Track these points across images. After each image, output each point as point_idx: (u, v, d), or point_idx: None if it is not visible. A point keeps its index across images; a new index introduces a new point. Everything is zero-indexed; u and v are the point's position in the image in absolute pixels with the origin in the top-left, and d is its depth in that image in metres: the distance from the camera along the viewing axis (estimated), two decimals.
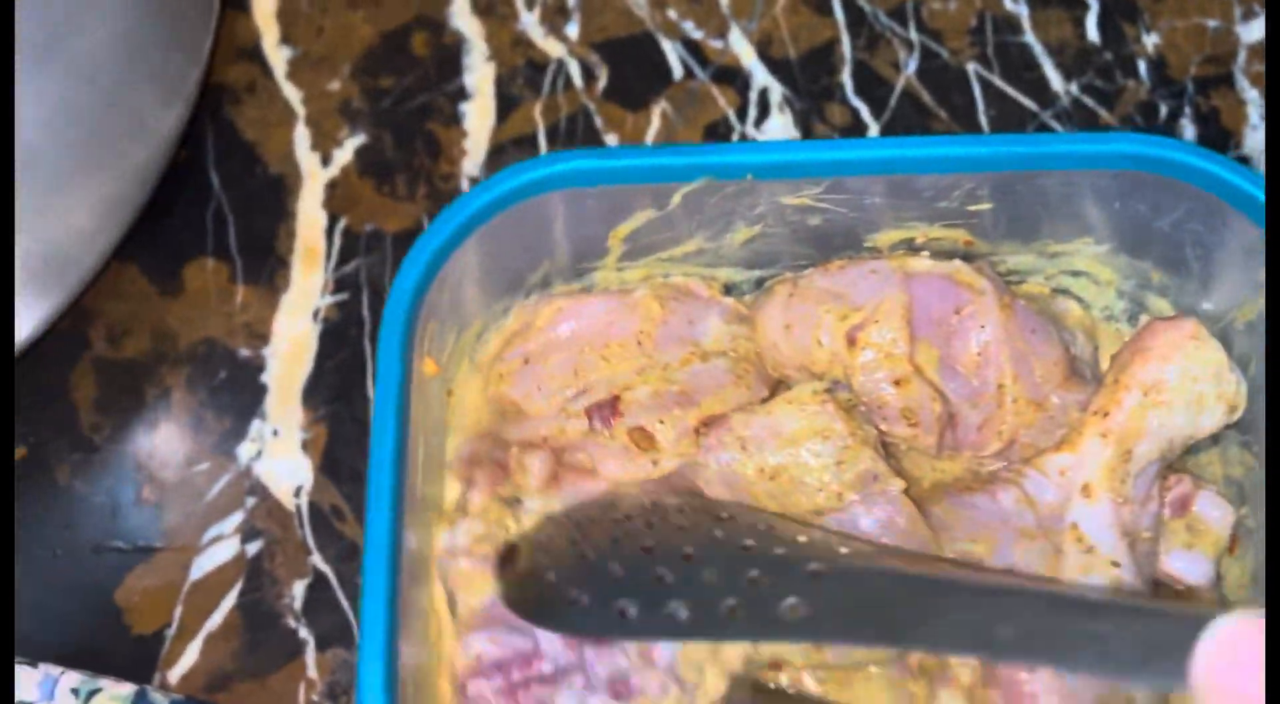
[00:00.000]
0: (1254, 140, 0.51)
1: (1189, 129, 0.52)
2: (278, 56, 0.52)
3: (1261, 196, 0.37)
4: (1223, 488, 0.41)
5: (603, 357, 0.42)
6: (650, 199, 0.40)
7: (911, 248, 0.43)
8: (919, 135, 0.51)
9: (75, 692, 0.41)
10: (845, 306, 0.41)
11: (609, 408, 0.41)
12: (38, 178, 0.41)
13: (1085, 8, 0.54)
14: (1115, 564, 0.37)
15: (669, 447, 0.40)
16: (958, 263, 0.41)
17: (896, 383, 0.40)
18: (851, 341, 0.40)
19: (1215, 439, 0.41)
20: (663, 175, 0.39)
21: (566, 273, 0.42)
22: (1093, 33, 0.54)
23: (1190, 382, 0.39)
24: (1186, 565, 0.39)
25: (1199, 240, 0.40)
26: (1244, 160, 0.51)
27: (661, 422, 0.40)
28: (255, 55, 0.52)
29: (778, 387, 0.42)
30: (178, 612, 0.43)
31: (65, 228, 0.44)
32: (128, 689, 0.41)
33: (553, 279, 0.42)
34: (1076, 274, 0.44)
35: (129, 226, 0.46)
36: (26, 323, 0.44)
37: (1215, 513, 0.40)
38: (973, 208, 0.41)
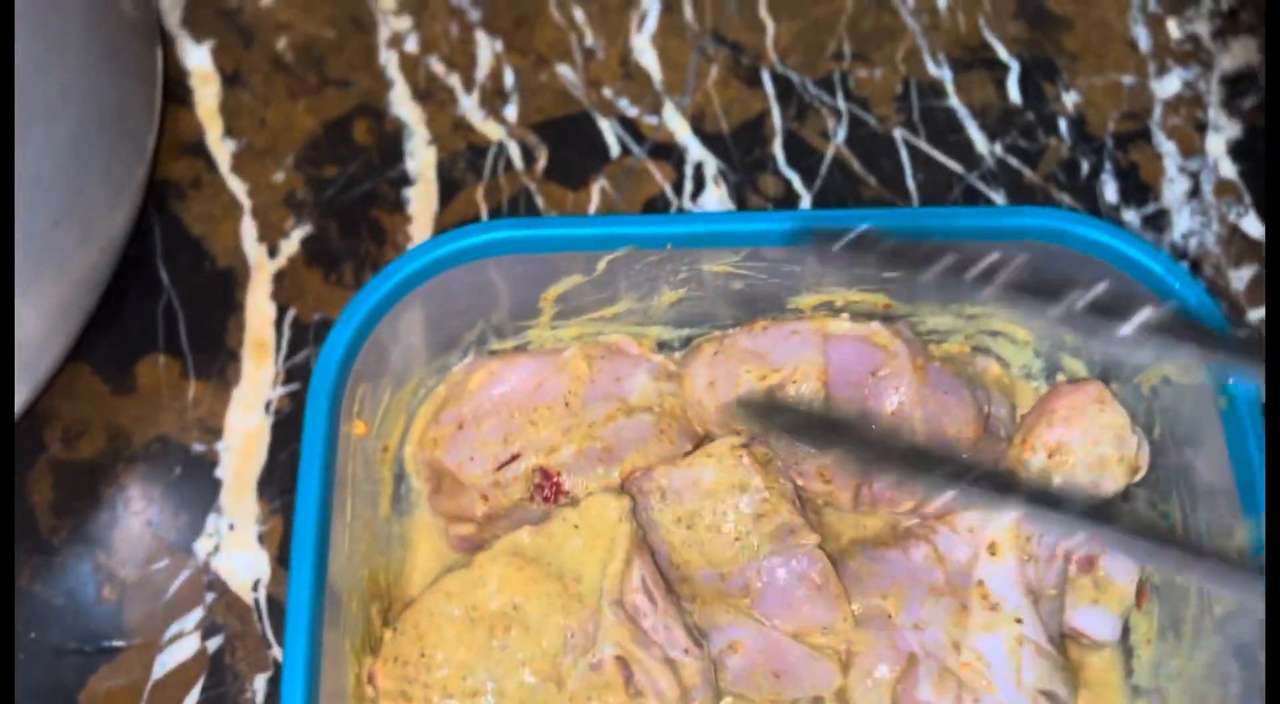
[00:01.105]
0: (1171, 193, 0.53)
1: (1110, 184, 0.54)
2: (222, 150, 0.53)
3: (1161, 270, 0.39)
4: None
5: (530, 420, 0.43)
6: (580, 264, 0.42)
7: (832, 310, 0.44)
8: (846, 206, 0.52)
9: None
10: (765, 366, 0.43)
11: (550, 482, 0.42)
12: None
13: (1006, 69, 0.56)
14: (1019, 621, 0.39)
15: (577, 494, 0.42)
16: (875, 324, 0.43)
17: None
18: None
19: (1125, 497, 0.43)
20: (588, 244, 0.41)
21: (503, 331, 0.44)
22: (1014, 93, 0.55)
23: (1092, 444, 0.41)
24: (1092, 621, 0.40)
25: (1105, 307, 0.42)
26: (1162, 214, 0.53)
27: (587, 484, 0.42)
28: (199, 150, 0.53)
29: (702, 442, 0.44)
30: None
31: (25, 327, 0.45)
32: None
33: (489, 337, 0.45)
34: (994, 334, 0.46)
35: (80, 331, 0.47)
36: None
37: (1121, 569, 0.41)
38: (889, 274, 0.43)
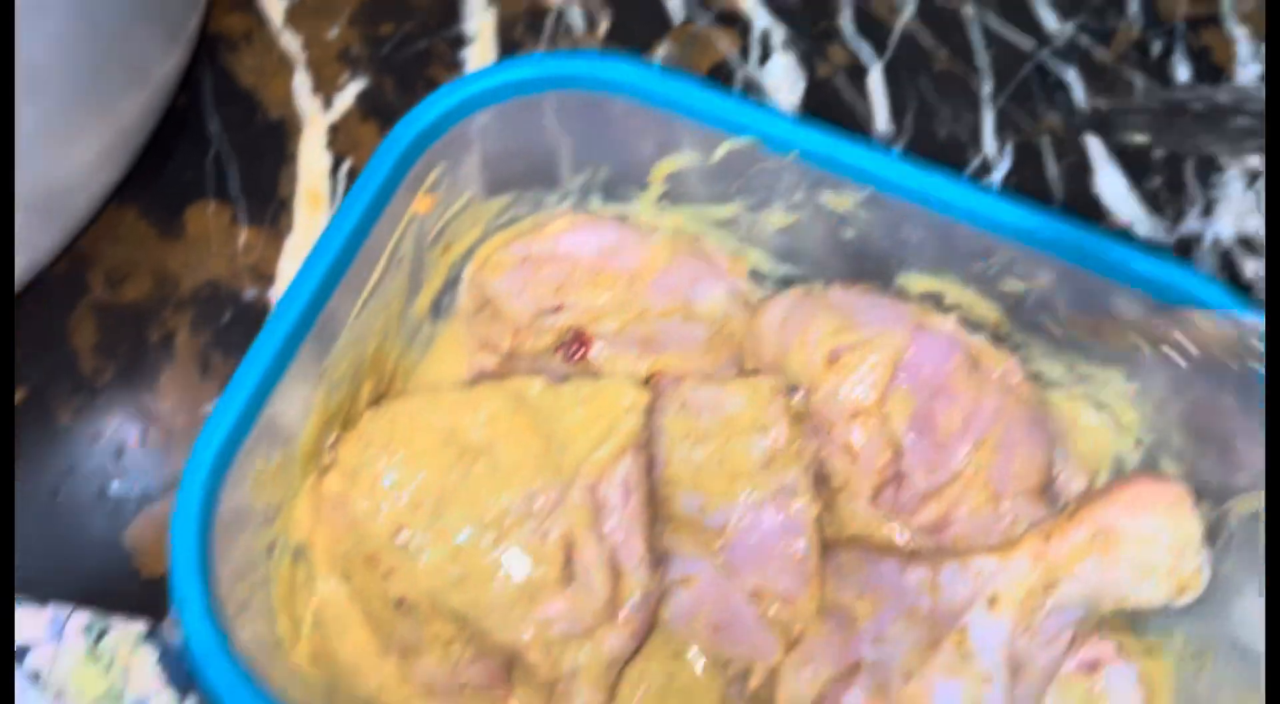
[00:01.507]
0: (1245, 75, 0.52)
1: (1181, 65, 0.52)
2: (275, 6, 0.52)
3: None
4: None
5: (590, 282, 0.41)
6: (698, 142, 0.38)
7: (940, 304, 0.40)
8: (917, 82, 0.51)
9: (86, 630, 0.39)
10: (845, 325, 0.39)
11: (578, 343, 0.40)
12: (38, 114, 0.40)
13: None
14: (987, 680, 0.35)
15: (602, 367, 0.40)
16: (981, 339, 0.39)
17: (853, 415, 0.38)
18: (832, 359, 0.38)
19: (1168, 626, 0.37)
20: (709, 115, 0.37)
21: (609, 191, 0.42)
22: None
23: (1146, 543, 0.36)
24: None
25: (1229, 414, 0.36)
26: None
27: (615, 361, 0.40)
28: (250, 5, 0.52)
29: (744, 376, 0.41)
30: None
31: (64, 166, 0.43)
32: (139, 627, 0.39)
33: (591, 194, 0.42)
34: (1101, 406, 0.40)
35: (126, 169, 0.45)
36: (22, 260, 0.43)
37: (1125, 691, 0.36)
38: (1007, 286, 0.38)
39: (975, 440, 0.38)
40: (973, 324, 0.40)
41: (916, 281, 0.40)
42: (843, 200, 0.38)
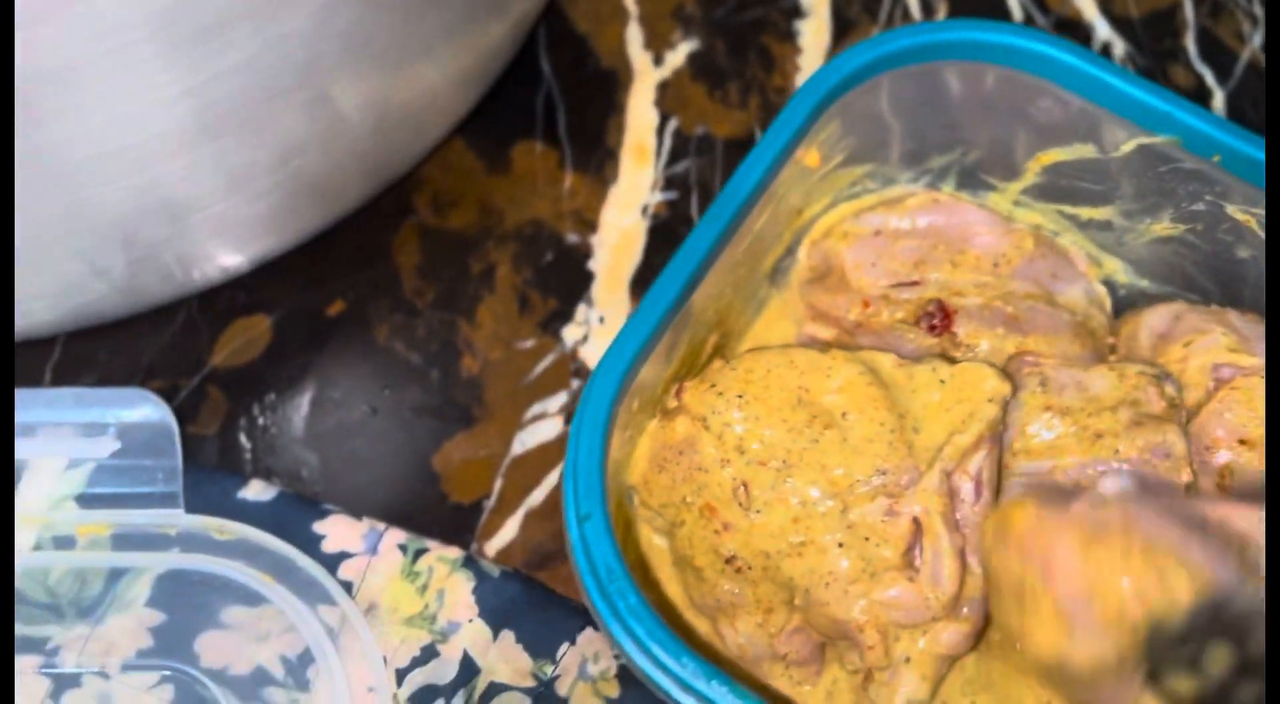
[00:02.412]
0: None
1: None
2: None
3: None
4: None
5: (952, 260, 0.40)
6: (1099, 135, 0.36)
7: None
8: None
9: (402, 547, 0.39)
10: (1241, 346, 0.37)
11: (943, 315, 0.39)
12: (439, 26, 0.40)
13: None
14: None
15: (964, 341, 0.38)
16: None
17: (1241, 441, 0.35)
18: (1218, 376, 0.36)
19: None
20: (1131, 110, 0.35)
21: (971, 178, 0.40)
22: None
23: None
24: None
25: None
26: None
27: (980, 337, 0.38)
28: None
29: None
30: (497, 484, 0.41)
31: (424, 91, 0.43)
32: (455, 553, 0.39)
33: (950, 176, 0.41)
34: None
35: (477, 99, 0.45)
36: (365, 187, 0.43)
37: None
38: None
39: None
40: None
41: None
42: (1250, 217, 0.36)
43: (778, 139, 0.35)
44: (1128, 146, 0.36)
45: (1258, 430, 0.35)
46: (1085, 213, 0.40)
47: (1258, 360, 0.36)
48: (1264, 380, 0.35)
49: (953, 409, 0.36)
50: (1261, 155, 0.34)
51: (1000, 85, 0.37)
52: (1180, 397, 0.37)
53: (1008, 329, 0.39)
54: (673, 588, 0.38)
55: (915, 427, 0.36)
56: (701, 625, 0.37)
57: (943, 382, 0.37)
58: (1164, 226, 0.38)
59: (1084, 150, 0.37)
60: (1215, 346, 0.36)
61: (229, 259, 0.42)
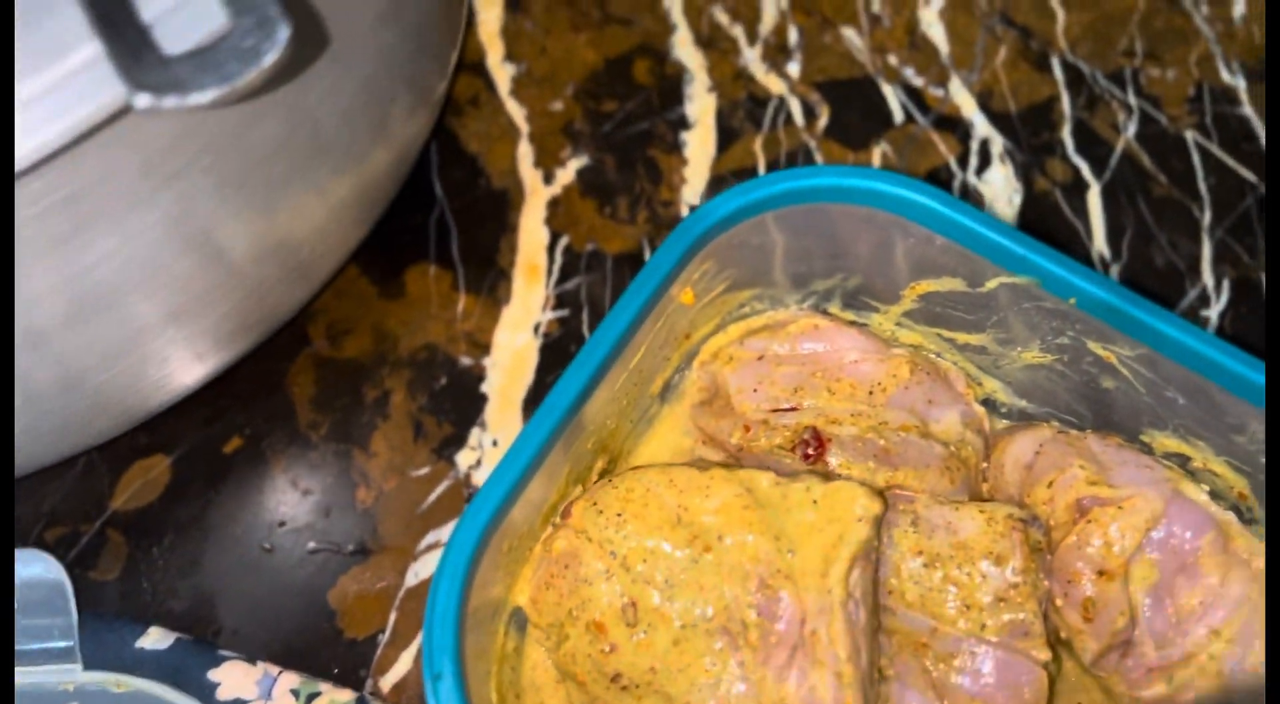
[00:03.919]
0: None
1: None
2: (502, 73, 0.53)
3: None
4: None
5: (828, 387, 0.41)
6: (967, 270, 0.38)
7: (1186, 468, 0.39)
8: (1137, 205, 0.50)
9: (295, 693, 0.40)
10: (1099, 477, 0.38)
11: (818, 443, 0.40)
12: (324, 165, 0.41)
13: None
14: None
15: (837, 471, 0.39)
16: (1232, 516, 0.37)
17: (1100, 573, 0.37)
18: (1081, 510, 0.37)
19: None
20: (996, 253, 0.36)
21: (852, 300, 0.42)
22: None
23: None
24: None
25: None
26: None
27: (850, 468, 0.39)
28: (479, 70, 0.53)
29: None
30: (392, 617, 0.42)
31: (317, 227, 0.44)
32: (347, 696, 0.40)
33: (834, 298, 0.42)
34: None
35: (370, 227, 0.46)
36: (261, 328, 0.44)
37: None
38: (1261, 460, 0.36)
39: (1212, 627, 0.36)
40: (1215, 493, 0.38)
41: (1165, 441, 0.39)
42: (1110, 353, 0.37)
43: (646, 286, 0.36)
44: (992, 283, 0.38)
45: (1115, 561, 0.36)
46: (962, 337, 0.41)
47: (1115, 491, 0.37)
48: (1119, 508, 0.37)
49: (825, 529, 0.37)
50: (1115, 300, 0.35)
51: (873, 221, 0.38)
52: (1046, 539, 0.38)
53: (878, 463, 0.39)
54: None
55: (790, 548, 0.37)
56: None
57: (815, 502, 0.38)
58: (1034, 355, 0.40)
59: (954, 283, 0.39)
60: (1075, 482, 0.37)
61: (126, 417, 0.42)
